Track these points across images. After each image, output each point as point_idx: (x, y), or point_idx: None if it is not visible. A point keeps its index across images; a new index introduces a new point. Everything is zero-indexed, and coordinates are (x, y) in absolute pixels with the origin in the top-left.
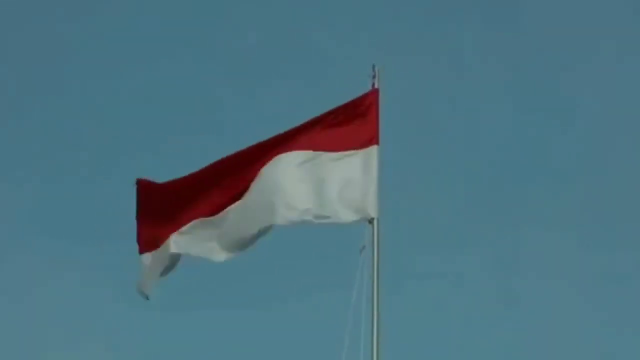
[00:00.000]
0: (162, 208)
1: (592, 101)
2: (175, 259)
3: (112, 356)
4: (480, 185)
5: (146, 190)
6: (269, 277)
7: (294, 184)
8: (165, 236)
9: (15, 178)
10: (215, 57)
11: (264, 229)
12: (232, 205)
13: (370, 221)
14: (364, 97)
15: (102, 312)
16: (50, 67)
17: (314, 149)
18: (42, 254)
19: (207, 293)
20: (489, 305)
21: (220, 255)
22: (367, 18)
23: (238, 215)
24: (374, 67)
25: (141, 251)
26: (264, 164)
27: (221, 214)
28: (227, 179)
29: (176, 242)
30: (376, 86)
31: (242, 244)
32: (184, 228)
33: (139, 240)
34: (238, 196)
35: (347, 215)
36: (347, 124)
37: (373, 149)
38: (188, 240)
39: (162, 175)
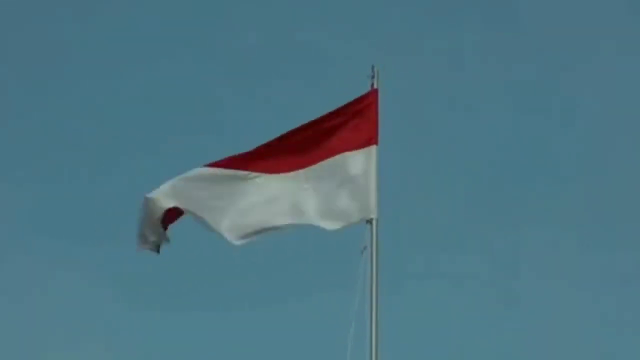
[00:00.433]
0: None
1: (592, 101)
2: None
3: (112, 356)
4: (480, 185)
5: None
6: (269, 277)
7: (294, 192)
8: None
9: (15, 178)
10: (215, 57)
11: (263, 229)
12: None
13: (370, 221)
14: (363, 97)
15: (102, 312)
16: (50, 67)
17: (316, 162)
18: (42, 254)
19: (207, 293)
20: (489, 305)
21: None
22: (367, 18)
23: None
24: (373, 67)
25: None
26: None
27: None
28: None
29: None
30: (375, 86)
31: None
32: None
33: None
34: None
35: (346, 218)
36: (346, 124)
37: (372, 149)
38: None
39: (162, 175)
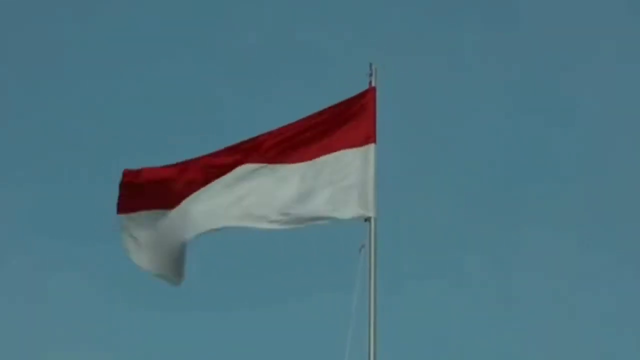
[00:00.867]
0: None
1: (592, 101)
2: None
3: (112, 356)
4: (480, 185)
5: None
6: (269, 277)
7: (289, 188)
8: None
9: (15, 178)
10: (215, 57)
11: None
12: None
13: (368, 220)
14: (361, 95)
15: (101, 312)
16: (50, 67)
17: (311, 158)
18: (42, 254)
19: (207, 293)
20: (489, 305)
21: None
22: (367, 18)
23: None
24: (371, 65)
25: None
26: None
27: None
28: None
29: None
30: (373, 84)
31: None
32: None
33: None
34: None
35: (343, 214)
36: (344, 122)
37: (370, 148)
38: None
39: None
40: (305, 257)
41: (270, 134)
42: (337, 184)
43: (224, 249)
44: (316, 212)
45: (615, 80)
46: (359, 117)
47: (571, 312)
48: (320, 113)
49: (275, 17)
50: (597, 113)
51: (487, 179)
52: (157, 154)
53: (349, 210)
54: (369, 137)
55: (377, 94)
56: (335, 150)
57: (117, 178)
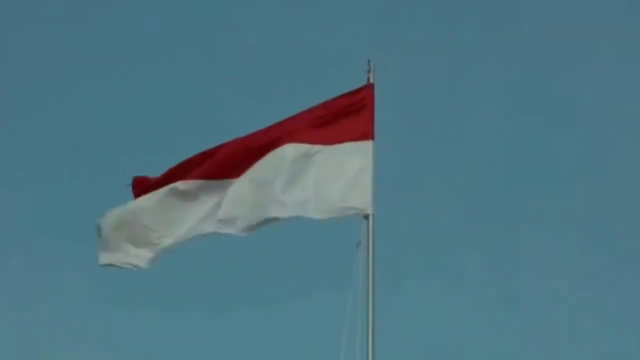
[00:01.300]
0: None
1: (592, 101)
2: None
3: (112, 356)
4: (480, 185)
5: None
6: (268, 276)
7: (288, 179)
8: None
9: (15, 178)
10: (215, 57)
11: (260, 222)
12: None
13: (366, 217)
14: (359, 91)
15: (101, 313)
16: (50, 67)
17: (310, 142)
18: (42, 254)
19: (206, 293)
20: (488, 305)
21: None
22: (367, 19)
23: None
24: (369, 61)
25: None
26: (258, 156)
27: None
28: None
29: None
30: (371, 80)
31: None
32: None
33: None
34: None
35: (340, 210)
36: (342, 118)
37: (368, 144)
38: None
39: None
40: (304, 256)
41: (267, 130)
42: (334, 179)
43: (223, 248)
44: (314, 209)
45: (615, 80)
46: (357, 113)
47: (571, 312)
48: (317, 108)
49: (275, 17)
50: (597, 113)
51: (487, 179)
52: (157, 154)
53: (347, 208)
54: (367, 134)
55: (378, 92)
56: (332, 143)
57: (117, 178)
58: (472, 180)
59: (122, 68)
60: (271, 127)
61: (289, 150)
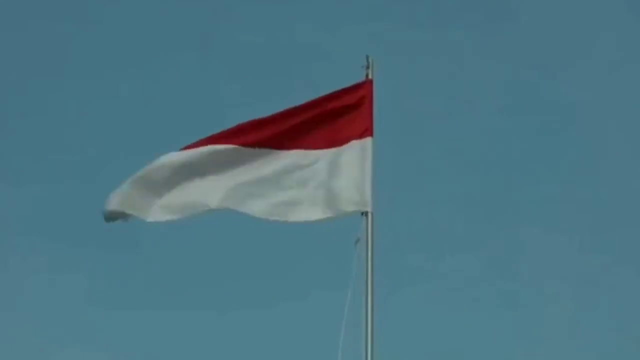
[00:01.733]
0: None
1: (592, 101)
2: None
3: (110, 356)
4: (480, 185)
5: None
6: (267, 276)
7: (287, 183)
8: None
9: (15, 179)
10: (215, 57)
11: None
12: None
13: (365, 214)
14: (357, 87)
15: (100, 313)
16: (50, 67)
17: (314, 148)
18: (42, 254)
19: (204, 293)
20: (488, 305)
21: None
22: (367, 19)
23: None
24: (367, 57)
25: None
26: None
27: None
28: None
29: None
30: (370, 77)
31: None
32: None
33: None
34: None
35: (340, 209)
36: (343, 116)
37: (367, 141)
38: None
39: None
40: (303, 255)
41: (267, 119)
42: (332, 177)
43: (222, 248)
44: (308, 206)
45: (615, 80)
46: (356, 110)
47: (571, 313)
48: (314, 104)
49: (275, 17)
50: (596, 113)
51: (486, 178)
52: (157, 154)
53: (344, 205)
54: (366, 131)
55: (377, 90)
56: (332, 144)
57: (117, 179)
58: (471, 180)
59: (123, 68)
60: (273, 121)
61: (294, 157)
